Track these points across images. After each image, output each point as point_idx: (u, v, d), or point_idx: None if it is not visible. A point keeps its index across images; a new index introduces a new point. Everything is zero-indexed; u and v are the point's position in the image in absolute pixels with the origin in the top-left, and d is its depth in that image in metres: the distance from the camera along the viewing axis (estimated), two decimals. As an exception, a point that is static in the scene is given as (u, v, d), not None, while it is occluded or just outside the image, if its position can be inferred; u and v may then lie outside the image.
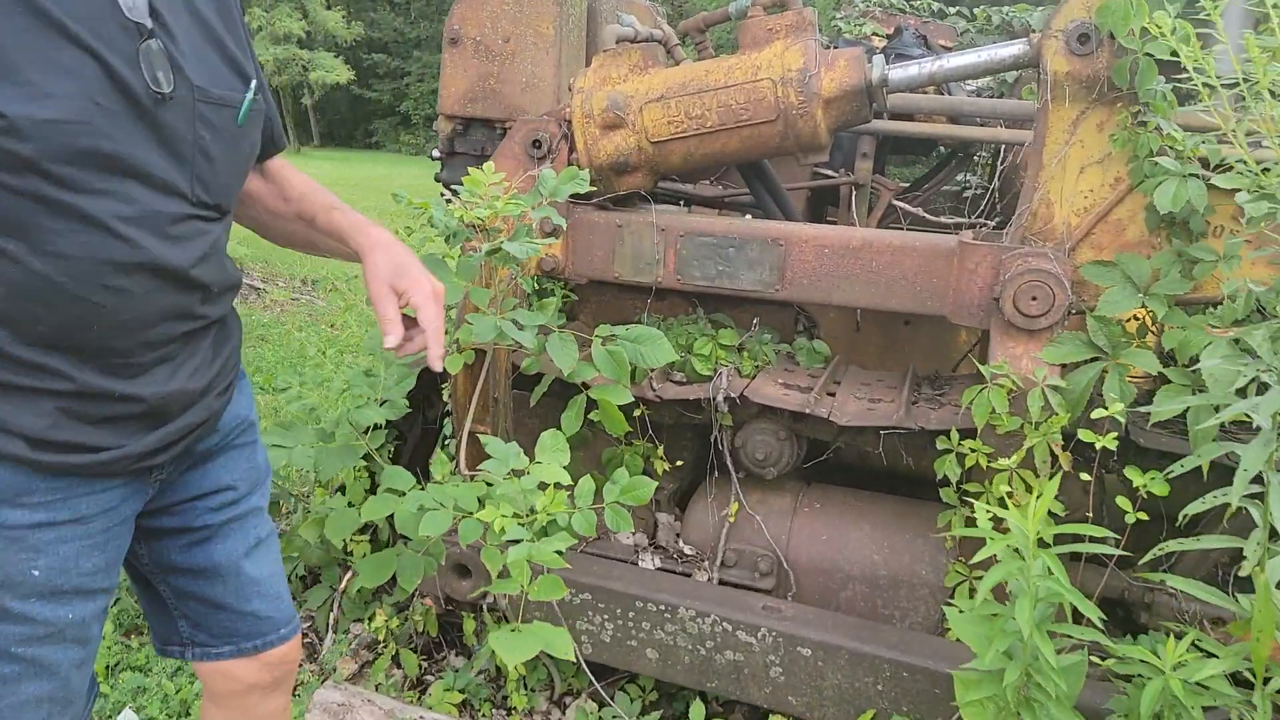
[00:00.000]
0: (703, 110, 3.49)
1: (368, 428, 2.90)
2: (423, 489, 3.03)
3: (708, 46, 3.90)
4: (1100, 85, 3.15)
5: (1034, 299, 3.10)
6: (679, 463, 3.88)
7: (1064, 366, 3.15)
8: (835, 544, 3.65)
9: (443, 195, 3.27)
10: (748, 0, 3.60)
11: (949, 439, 3.20)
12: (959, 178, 5.26)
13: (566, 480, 2.80)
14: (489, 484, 2.85)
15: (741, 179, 4.17)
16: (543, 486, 2.80)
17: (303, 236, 2.20)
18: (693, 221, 3.66)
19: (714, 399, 3.59)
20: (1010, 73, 4.69)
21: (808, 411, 3.44)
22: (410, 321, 2.01)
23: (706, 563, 3.71)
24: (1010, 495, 3.05)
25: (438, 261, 3.11)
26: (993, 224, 4.20)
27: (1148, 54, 3.00)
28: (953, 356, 4.23)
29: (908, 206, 4.35)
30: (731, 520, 3.71)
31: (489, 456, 3.58)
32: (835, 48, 3.51)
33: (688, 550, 3.78)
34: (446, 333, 2.30)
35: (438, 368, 2.00)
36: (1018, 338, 3.19)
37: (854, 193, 4.25)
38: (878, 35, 4.53)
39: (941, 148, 5.18)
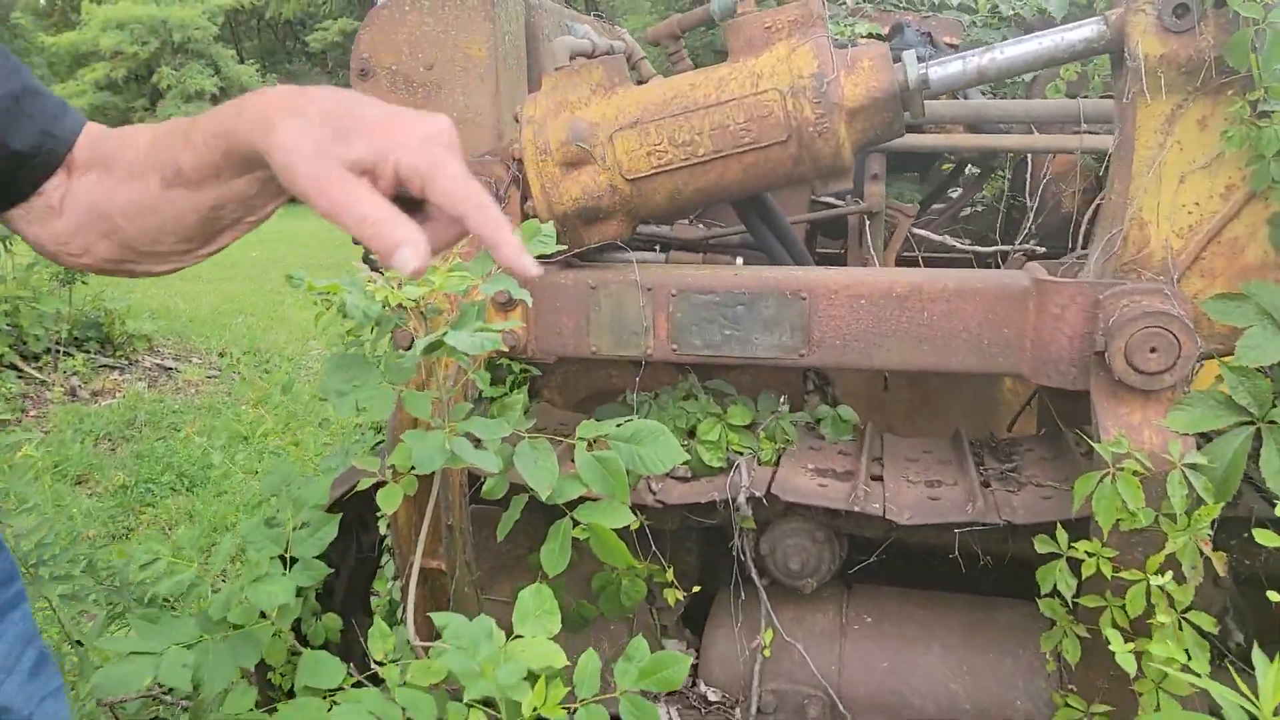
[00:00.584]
0: (692, 135, 2.71)
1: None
2: (358, 678, 2.17)
3: (684, 56, 3.16)
4: (1204, 70, 2.45)
5: (1153, 351, 2.37)
6: (696, 588, 3.06)
7: (1197, 436, 2.41)
8: (900, 673, 2.86)
9: (363, 269, 2.44)
10: (734, -6, 2.86)
11: (1052, 539, 2.43)
12: (951, 192, 4.55)
13: (561, 660, 1.98)
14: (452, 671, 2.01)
15: (732, 214, 3.41)
16: (530, 677, 1.97)
17: (188, 203, 1.28)
18: (687, 276, 2.87)
19: (734, 499, 2.78)
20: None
21: (856, 509, 2.66)
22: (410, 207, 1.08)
23: (739, 711, 2.89)
24: (1150, 613, 2.29)
25: (360, 363, 2.27)
26: (1034, 246, 3.50)
27: (1274, 24, 2.30)
28: (1001, 411, 3.49)
29: (931, 235, 3.64)
30: (766, 653, 2.90)
31: (445, 599, 2.72)
32: (852, 46, 2.76)
33: (711, 695, 2.95)
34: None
35: (532, 271, 1.11)
36: (1131, 401, 2.45)
37: (866, 222, 3.51)
38: (873, 35, 3.87)
39: (949, 161, 4.48)
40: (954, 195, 4.28)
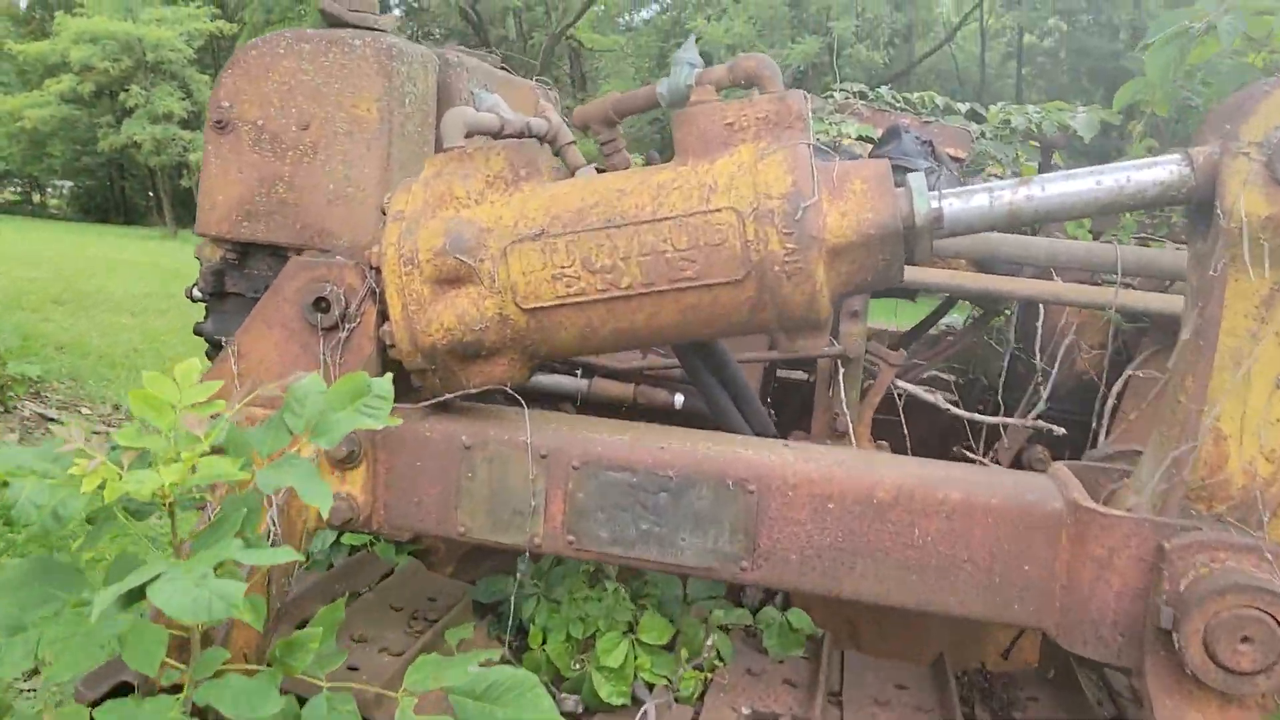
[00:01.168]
0: (615, 259, 1.97)
1: None
2: None
3: (620, 149, 2.44)
4: (1324, 239, 1.76)
5: (1245, 641, 1.63)
6: None
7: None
8: None
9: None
10: (689, 72, 2.13)
11: None
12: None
13: None
14: None
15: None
16: None
17: None
18: (597, 443, 2.11)
19: (632, 765, 1.99)
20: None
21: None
22: None
23: None
24: None
25: (62, 574, 1.47)
26: (1046, 425, 2.79)
27: None
28: (995, 630, 2.74)
29: (920, 392, 2.93)
30: None
31: None
32: (838, 153, 2.04)
33: None
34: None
35: None
36: (1206, 703, 1.70)
37: (839, 369, 2.78)
38: (864, 138, 3.20)
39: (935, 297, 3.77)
40: (948, 325, 3.58)
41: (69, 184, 40.76)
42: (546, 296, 2.02)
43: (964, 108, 3.61)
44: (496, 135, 2.34)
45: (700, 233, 1.94)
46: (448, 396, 2.14)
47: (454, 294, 2.04)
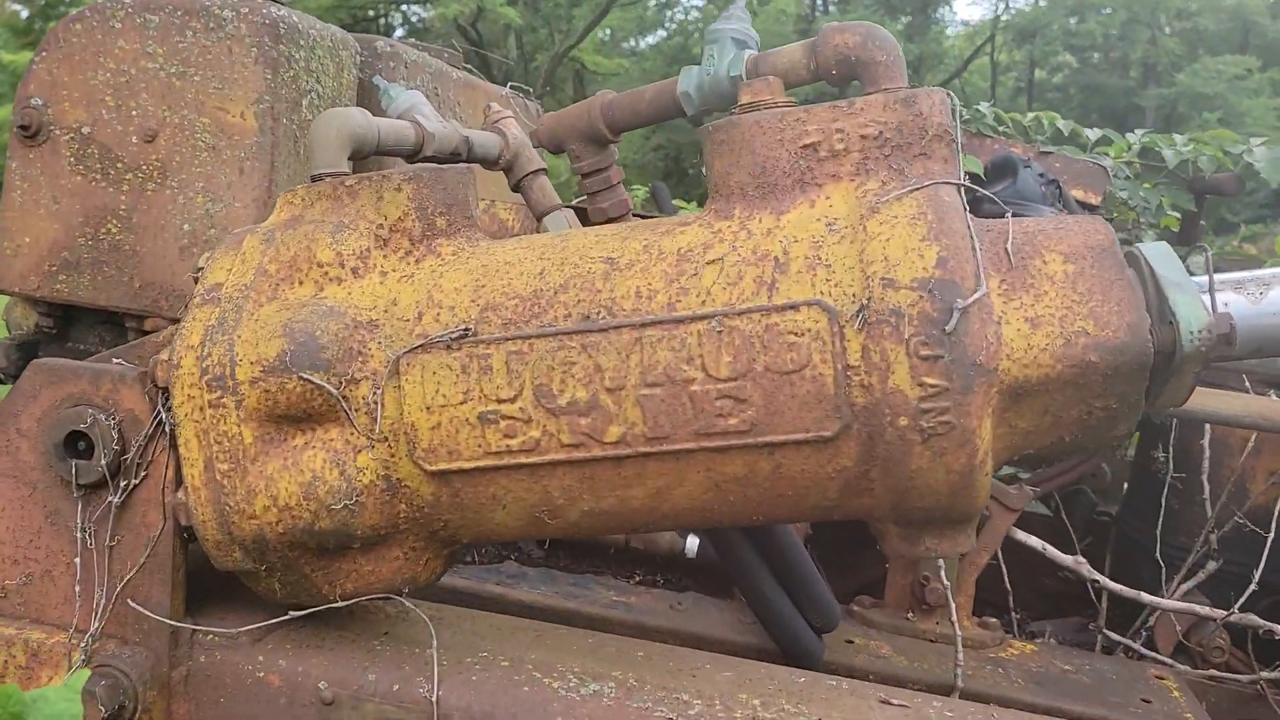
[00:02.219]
0: (596, 389, 1.06)
1: None
2: None
3: (615, 182, 1.50)
4: None
5: None
6: None
7: None
8: None
9: None
10: (736, 53, 1.22)
11: None
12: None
13: None
14: None
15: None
16: None
17: None
18: (557, 707, 1.17)
19: None
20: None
21: None
22: None
23: None
24: None
25: None
26: (1210, 611, 1.85)
27: None
28: None
29: (1056, 555, 1.97)
30: None
31: None
32: (1017, 204, 1.12)
33: None
34: None
35: None
36: None
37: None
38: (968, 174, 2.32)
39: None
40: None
41: None
42: (469, 452, 1.10)
43: (1095, 134, 2.69)
44: (411, 157, 1.42)
45: (759, 349, 1.02)
46: (293, 615, 1.21)
47: (299, 443, 1.12)
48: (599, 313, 1.07)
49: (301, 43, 1.93)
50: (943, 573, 1.86)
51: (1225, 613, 1.73)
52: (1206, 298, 1.02)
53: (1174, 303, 0.98)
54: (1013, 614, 2.27)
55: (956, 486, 1.02)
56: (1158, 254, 1.04)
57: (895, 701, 1.28)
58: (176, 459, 1.16)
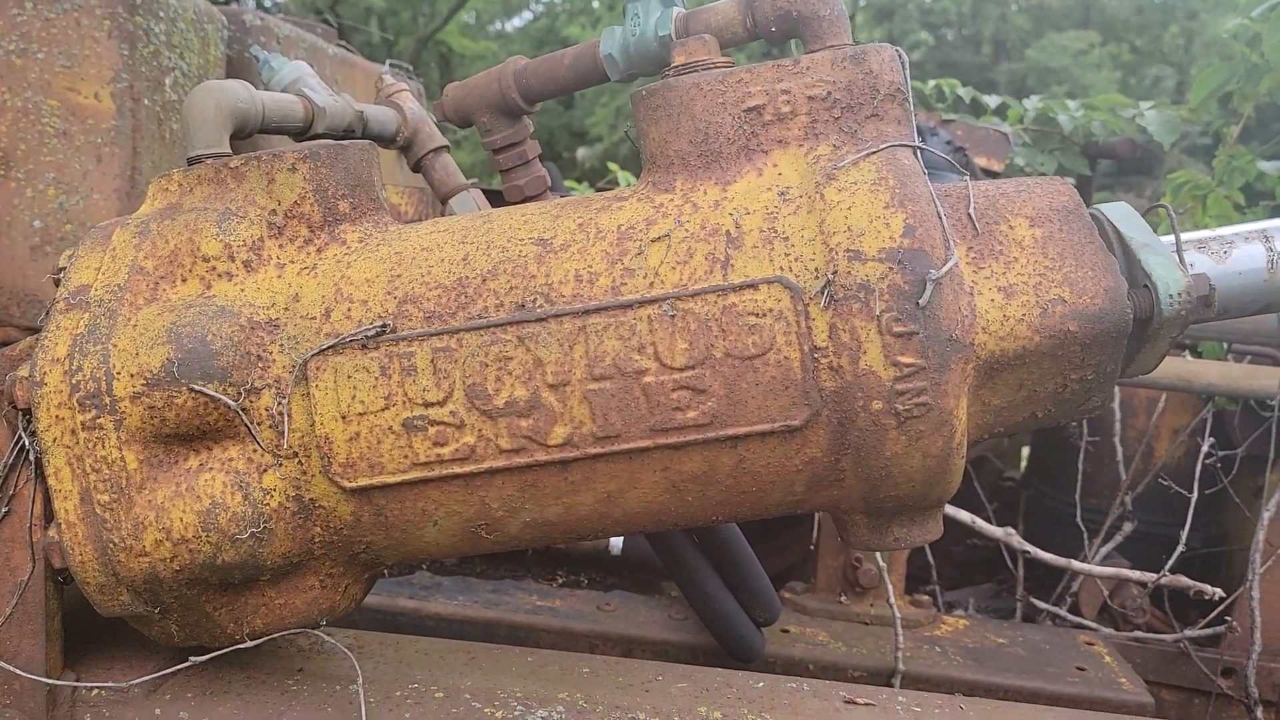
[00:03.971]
0: (536, 386, 0.94)
1: None
2: None
3: (531, 157, 1.38)
4: None
5: None
6: None
7: None
8: None
9: None
10: (661, 11, 1.11)
11: None
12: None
13: None
14: None
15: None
16: None
17: None
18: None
19: None
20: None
21: None
22: None
23: None
24: None
25: None
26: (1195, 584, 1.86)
27: None
28: None
29: (986, 528, 1.96)
30: None
31: None
32: (970, 167, 1.05)
33: None
34: None
35: None
36: None
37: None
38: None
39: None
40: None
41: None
42: (394, 465, 0.97)
43: (994, 101, 2.70)
44: (300, 135, 1.27)
45: (716, 333, 0.93)
46: (194, 661, 1.05)
47: (193, 465, 0.97)
48: (535, 300, 0.96)
49: (161, 15, 1.73)
50: (876, 553, 1.82)
51: (1157, 575, 1.74)
52: (1179, 260, 0.98)
53: (1148, 265, 0.94)
54: (935, 586, 2.26)
55: (933, 472, 0.96)
56: (1121, 214, 1.00)
57: (860, 700, 1.22)
58: (45, 491, 0.99)
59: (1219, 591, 1.66)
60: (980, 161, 2.31)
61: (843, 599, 1.94)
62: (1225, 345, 2.02)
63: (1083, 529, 2.11)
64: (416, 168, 1.45)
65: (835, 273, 0.91)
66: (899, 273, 0.90)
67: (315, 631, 1.11)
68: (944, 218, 0.94)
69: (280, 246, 1.04)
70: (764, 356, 0.92)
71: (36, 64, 1.64)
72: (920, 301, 0.89)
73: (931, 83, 2.68)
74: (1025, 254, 0.96)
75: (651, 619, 1.83)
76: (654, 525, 1.06)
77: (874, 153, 0.97)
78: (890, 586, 1.78)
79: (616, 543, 1.94)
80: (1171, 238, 1.02)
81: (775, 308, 0.92)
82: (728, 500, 1.01)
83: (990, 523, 2.00)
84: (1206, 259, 0.99)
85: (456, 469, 0.97)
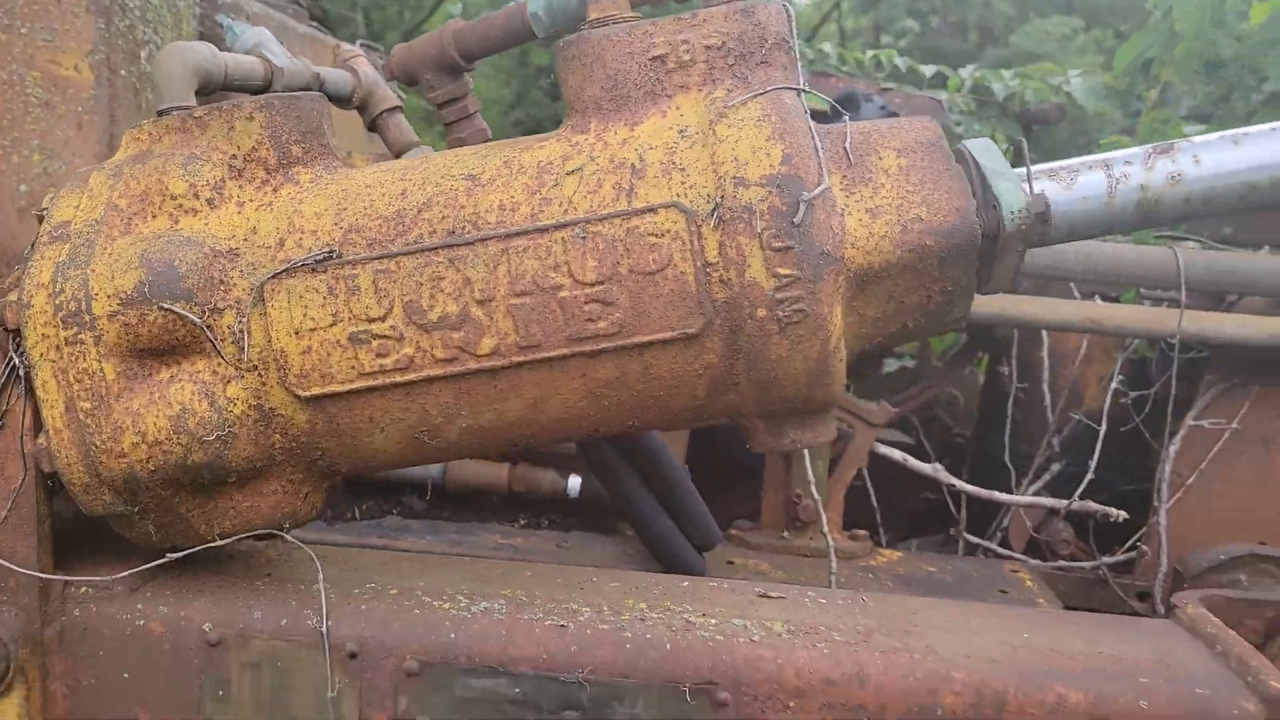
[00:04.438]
0: (466, 303, 1.08)
1: None
2: None
3: (473, 111, 1.52)
4: None
5: None
6: None
7: None
8: None
9: None
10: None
11: None
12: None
13: None
14: None
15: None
16: None
17: None
18: (446, 623, 1.20)
19: None
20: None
21: None
22: None
23: None
24: None
25: None
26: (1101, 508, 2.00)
27: None
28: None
29: (911, 460, 2.12)
30: None
31: None
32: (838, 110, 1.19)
33: None
34: None
35: None
36: None
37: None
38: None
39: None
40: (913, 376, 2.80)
41: None
42: (343, 375, 1.10)
43: (929, 71, 2.85)
44: (260, 94, 1.40)
45: (621, 252, 1.06)
46: (171, 557, 1.19)
47: (164, 377, 1.10)
48: (464, 227, 1.09)
49: (133, -10, 1.85)
50: (813, 488, 1.96)
51: (1066, 502, 1.88)
52: (1026, 186, 1.11)
53: (996, 189, 1.07)
54: (880, 531, 2.40)
55: (814, 374, 1.09)
56: (981, 148, 1.13)
57: (773, 594, 1.36)
58: (34, 404, 1.12)
59: (1123, 514, 1.81)
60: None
61: (785, 534, 2.08)
62: (1138, 290, 2.16)
63: (1010, 468, 2.25)
64: (372, 127, 1.58)
65: (723, 197, 1.05)
66: (777, 195, 1.04)
67: (282, 535, 1.24)
68: (820, 149, 1.07)
69: (240, 186, 1.17)
70: (663, 272, 1.06)
71: (20, 39, 1.76)
72: (795, 220, 1.03)
73: (870, 53, 2.81)
74: (891, 180, 1.09)
75: (605, 554, 1.97)
76: (577, 431, 1.20)
77: (761, 94, 1.10)
78: (824, 517, 1.92)
79: (574, 485, 2.08)
80: (1084, 163, 1.16)
81: (672, 229, 1.06)
82: (639, 405, 1.14)
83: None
84: (1055, 185, 1.13)
85: (398, 378, 1.10)
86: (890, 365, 2.87)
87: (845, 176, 1.10)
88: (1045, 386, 2.29)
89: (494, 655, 1.19)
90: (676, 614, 1.26)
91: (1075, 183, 1.13)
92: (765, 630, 1.22)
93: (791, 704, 1.15)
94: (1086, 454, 2.32)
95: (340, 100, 1.51)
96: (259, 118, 1.17)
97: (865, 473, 2.28)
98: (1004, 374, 2.39)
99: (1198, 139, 1.14)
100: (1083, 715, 1.11)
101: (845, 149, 1.11)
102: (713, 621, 1.24)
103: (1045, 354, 2.31)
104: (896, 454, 2.08)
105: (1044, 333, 2.29)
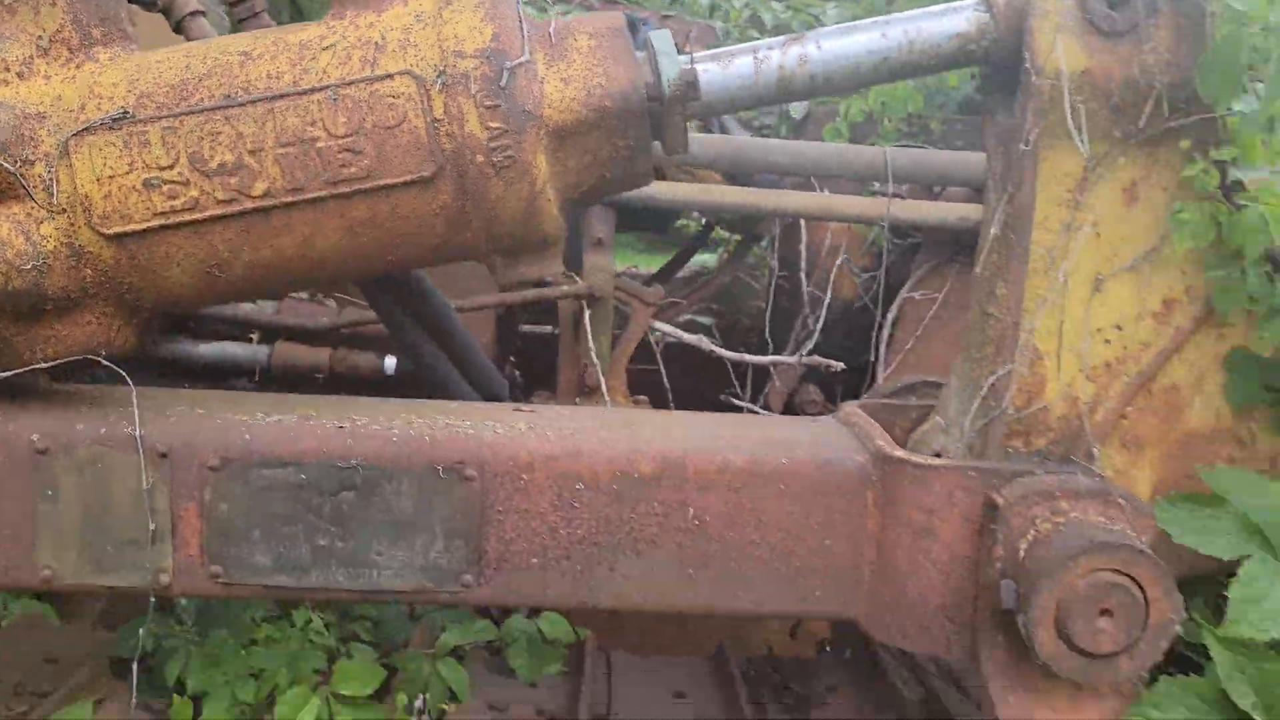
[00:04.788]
0: (240, 153, 1.34)
1: None
2: None
3: (259, 7, 1.76)
4: (1148, 102, 1.44)
5: (1105, 615, 1.28)
6: None
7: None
8: None
9: None
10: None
11: None
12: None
13: None
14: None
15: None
16: None
17: None
18: (243, 428, 1.47)
19: None
20: (799, 105, 2.99)
21: None
22: None
23: None
24: None
25: None
26: (822, 360, 2.40)
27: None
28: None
29: (683, 335, 2.46)
30: None
31: None
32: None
33: None
34: None
35: None
36: (1057, 696, 1.35)
37: (586, 310, 2.27)
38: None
39: (691, 218, 3.38)
40: (700, 266, 3.16)
41: None
42: (140, 215, 1.35)
43: (706, 1, 3.18)
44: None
45: (366, 110, 1.34)
46: (2, 375, 1.41)
47: (-16, 217, 1.32)
48: (238, 92, 1.34)
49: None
50: (593, 355, 2.28)
51: (795, 357, 2.26)
52: (691, 65, 1.43)
53: (660, 65, 1.39)
54: (670, 404, 2.76)
55: (528, 211, 1.39)
56: (659, 36, 1.45)
57: (524, 409, 1.67)
58: None
59: (840, 364, 2.20)
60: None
61: (577, 400, 2.41)
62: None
63: (769, 341, 2.64)
64: (178, 29, 1.79)
65: (446, 67, 1.33)
66: (487, 65, 1.33)
67: (98, 358, 1.47)
68: (525, 31, 1.36)
69: (47, 64, 1.38)
70: (400, 126, 1.34)
71: None
72: (502, 84, 1.32)
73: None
74: (581, 57, 1.39)
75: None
76: (346, 269, 1.47)
77: (482, -10, 1.38)
78: (604, 382, 2.25)
79: (390, 364, 2.35)
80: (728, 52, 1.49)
81: (406, 91, 1.33)
82: (393, 242, 1.42)
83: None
84: (716, 65, 1.45)
85: (186, 217, 1.35)
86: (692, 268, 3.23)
87: (548, 54, 1.40)
88: (802, 275, 2.68)
89: (284, 451, 1.46)
90: (440, 420, 1.56)
91: (731, 64, 1.46)
92: (510, 428, 1.53)
93: (524, 476, 1.46)
94: (841, 332, 2.74)
95: (146, 3, 1.72)
96: (61, 4, 1.39)
97: (661, 365, 2.63)
98: (772, 265, 2.77)
99: (822, 30, 1.48)
100: (741, 470, 1.46)
101: (550, 34, 1.41)
102: (468, 423, 1.54)
103: (803, 247, 2.69)
104: (667, 328, 2.43)
105: (802, 226, 2.67)
